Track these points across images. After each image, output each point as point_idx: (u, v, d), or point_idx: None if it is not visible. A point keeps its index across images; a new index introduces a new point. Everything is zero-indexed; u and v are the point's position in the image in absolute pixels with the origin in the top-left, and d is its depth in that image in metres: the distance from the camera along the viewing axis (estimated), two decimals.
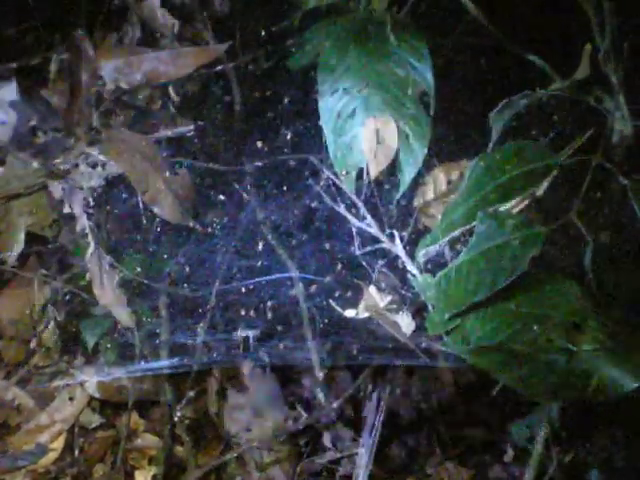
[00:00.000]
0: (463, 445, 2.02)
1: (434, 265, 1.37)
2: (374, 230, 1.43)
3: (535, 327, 1.16)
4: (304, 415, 1.90)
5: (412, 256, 1.38)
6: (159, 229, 1.65)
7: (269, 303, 1.60)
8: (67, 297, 1.79)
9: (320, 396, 1.88)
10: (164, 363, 1.72)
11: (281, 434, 1.88)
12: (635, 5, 1.39)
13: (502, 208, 1.23)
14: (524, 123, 1.42)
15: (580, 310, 1.15)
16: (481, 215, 1.24)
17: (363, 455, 1.82)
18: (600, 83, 1.35)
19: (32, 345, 1.84)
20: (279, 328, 1.63)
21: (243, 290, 1.62)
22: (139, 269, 1.67)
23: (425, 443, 2.00)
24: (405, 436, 1.99)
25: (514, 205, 1.25)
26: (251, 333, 1.62)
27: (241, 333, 1.62)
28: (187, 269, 1.65)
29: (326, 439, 1.92)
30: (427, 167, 1.47)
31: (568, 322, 1.15)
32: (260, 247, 1.59)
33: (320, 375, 1.71)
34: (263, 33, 1.65)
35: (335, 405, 1.83)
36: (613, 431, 1.96)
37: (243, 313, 1.62)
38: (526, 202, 1.27)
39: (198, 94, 1.75)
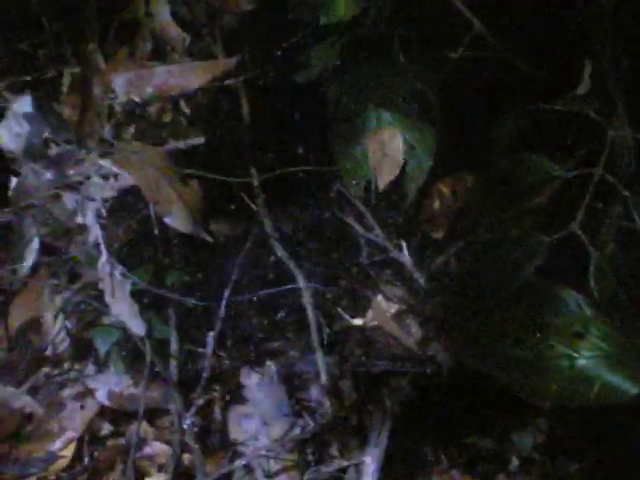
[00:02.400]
0: (469, 454, 2.03)
1: (442, 275, 1.40)
2: (382, 240, 1.45)
3: (538, 334, 1.19)
4: (311, 424, 1.92)
5: (419, 265, 1.40)
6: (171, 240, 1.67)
7: (277, 312, 1.62)
8: (78, 306, 1.80)
9: (327, 405, 1.90)
10: (174, 371, 1.74)
11: (288, 443, 1.89)
12: (635, 17, 1.41)
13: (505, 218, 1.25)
14: (527, 136, 1.44)
15: (582, 318, 1.17)
16: (485, 225, 1.26)
17: (370, 463, 1.83)
18: (601, 96, 1.38)
19: (43, 354, 1.86)
20: (286, 337, 1.65)
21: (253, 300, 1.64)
22: (150, 279, 1.69)
23: (431, 451, 2.00)
24: (411, 444, 1.99)
25: (517, 216, 1.28)
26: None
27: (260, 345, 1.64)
28: (197, 279, 1.67)
29: (333, 448, 1.93)
30: (433, 179, 1.50)
31: (570, 329, 1.17)
32: (268, 258, 1.61)
33: (327, 383, 1.73)
34: (273, 48, 1.67)
35: (342, 414, 1.84)
36: (619, 440, 1.98)
37: (252, 323, 1.64)
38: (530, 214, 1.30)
39: (208, 107, 1.77)
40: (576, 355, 1.16)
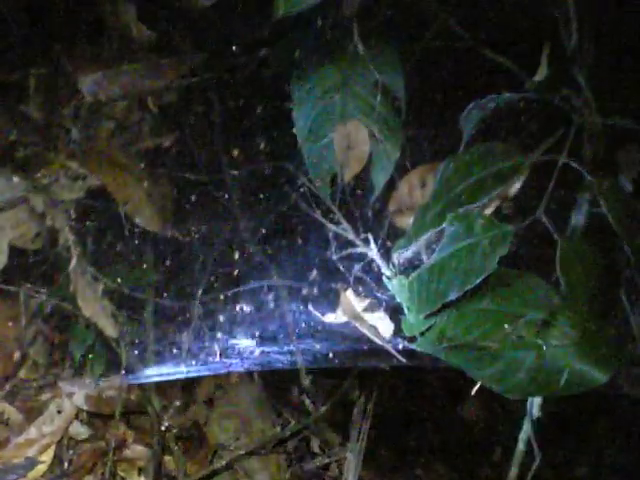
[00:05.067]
0: (452, 446, 2.03)
1: (410, 267, 1.38)
2: (349, 234, 1.44)
3: (506, 325, 1.18)
4: (292, 421, 1.91)
5: (387, 259, 1.39)
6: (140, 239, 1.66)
7: (251, 309, 1.61)
8: (53, 310, 1.79)
9: (307, 402, 1.89)
10: (151, 373, 1.73)
11: (269, 441, 1.89)
12: (601, 3, 1.40)
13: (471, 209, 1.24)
14: (494, 125, 1.43)
15: (548, 306, 1.16)
16: (451, 216, 1.25)
17: (351, 459, 1.83)
18: (567, 82, 1.36)
19: (19, 358, 1.85)
20: (264, 335, 1.64)
21: (226, 297, 1.63)
22: (121, 279, 1.68)
23: (414, 444, 2.00)
24: (394, 438, 1.99)
25: (484, 206, 1.26)
26: (247, 344, 1.63)
27: (237, 344, 1.63)
28: (168, 278, 1.66)
29: (314, 444, 1.93)
30: (401, 171, 1.49)
31: (537, 319, 1.16)
32: (238, 255, 1.60)
33: (306, 381, 1.72)
34: (238, 43, 1.66)
35: (322, 410, 1.84)
36: (603, 428, 1.98)
37: (225, 320, 1.63)
38: (496, 203, 1.28)
39: (176, 105, 1.76)
40: (544, 344, 1.15)
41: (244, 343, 1.65)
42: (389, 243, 1.40)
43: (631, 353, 1.25)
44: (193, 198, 1.68)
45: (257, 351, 1.65)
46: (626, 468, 1.94)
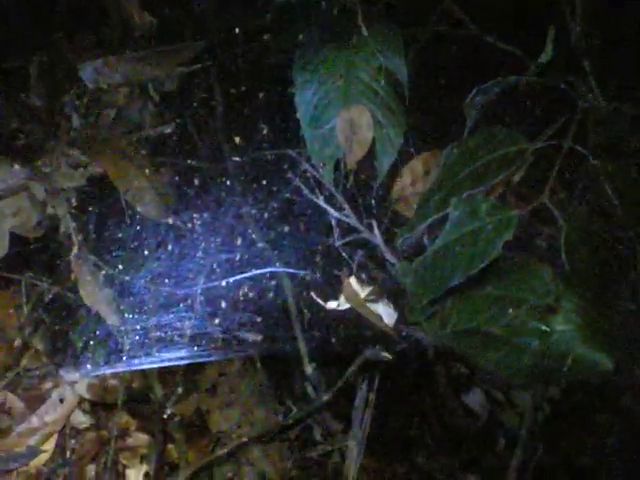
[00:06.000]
0: (455, 435, 2.02)
1: (414, 253, 1.38)
2: (353, 220, 1.44)
3: (510, 310, 1.17)
4: (294, 409, 1.91)
5: (391, 245, 1.38)
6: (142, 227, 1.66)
7: (253, 296, 1.61)
8: (55, 298, 1.79)
9: (309, 390, 1.89)
10: (153, 360, 1.73)
11: (271, 429, 1.88)
12: None
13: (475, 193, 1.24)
14: (498, 110, 1.43)
15: (553, 292, 1.15)
16: (455, 201, 1.25)
17: (353, 447, 1.82)
18: (572, 67, 1.36)
19: (20, 347, 1.85)
20: (266, 322, 1.64)
21: (229, 284, 1.63)
22: (123, 267, 1.67)
23: (416, 433, 2.00)
24: (396, 427, 1.99)
25: (488, 191, 1.26)
26: (252, 336, 1.62)
27: (242, 335, 1.63)
28: (170, 265, 1.65)
29: (316, 432, 1.93)
30: (405, 157, 1.48)
31: (542, 304, 1.15)
32: (241, 241, 1.60)
33: (308, 369, 1.71)
34: (240, 30, 1.65)
35: (324, 398, 1.83)
36: (606, 418, 1.97)
37: (227, 307, 1.62)
38: (501, 188, 1.28)
39: (178, 92, 1.75)
40: (549, 330, 1.15)
41: (246, 330, 1.64)
42: (393, 229, 1.39)
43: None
44: (195, 185, 1.67)
45: (259, 338, 1.64)
46: (629, 457, 1.94)
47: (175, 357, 1.70)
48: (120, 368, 1.74)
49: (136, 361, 1.70)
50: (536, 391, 1.59)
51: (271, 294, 1.60)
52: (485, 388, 1.96)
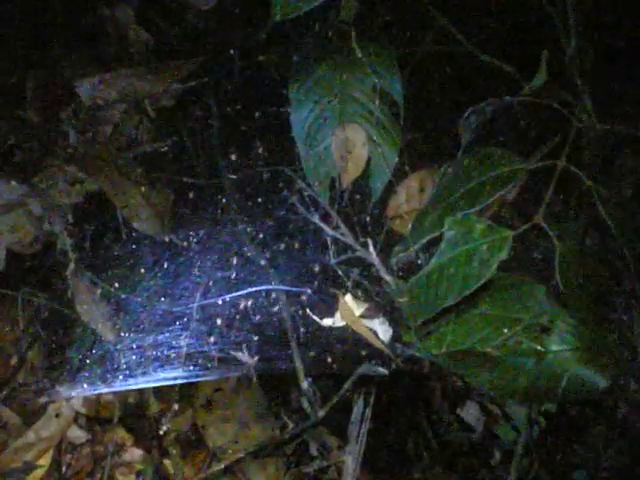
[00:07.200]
0: (450, 449, 2.02)
1: (409, 272, 1.38)
2: (348, 239, 1.44)
3: (505, 330, 1.17)
4: (290, 425, 1.91)
5: (386, 264, 1.39)
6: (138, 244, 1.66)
7: (249, 313, 1.61)
8: (51, 314, 1.79)
9: (306, 405, 1.89)
10: (149, 377, 1.72)
11: (268, 445, 1.88)
12: (600, 8, 1.40)
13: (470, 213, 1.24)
14: (493, 129, 1.43)
15: (548, 312, 1.16)
16: (449, 221, 1.25)
17: (349, 463, 1.82)
18: (567, 87, 1.36)
19: (17, 362, 1.85)
20: (262, 339, 1.64)
21: (225, 302, 1.63)
22: (119, 284, 1.67)
23: (412, 448, 2.00)
24: (392, 442, 1.99)
25: (482, 210, 1.26)
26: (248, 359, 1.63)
27: (241, 357, 1.63)
28: (167, 283, 1.65)
29: (312, 448, 1.93)
30: (400, 175, 1.49)
31: (536, 324, 1.16)
32: (237, 259, 1.60)
33: (304, 384, 1.71)
34: (236, 48, 1.66)
35: (321, 414, 1.83)
36: (601, 431, 1.98)
37: (223, 325, 1.62)
38: (495, 207, 1.28)
39: (174, 109, 1.75)
40: (543, 350, 1.15)
41: (242, 347, 1.64)
42: (388, 248, 1.40)
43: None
44: (191, 202, 1.67)
45: (254, 360, 1.64)
46: (625, 471, 1.94)
47: (171, 377, 1.70)
48: (115, 387, 1.74)
49: (131, 380, 1.69)
50: (532, 405, 1.59)
51: (267, 311, 1.60)
52: (480, 402, 1.96)
